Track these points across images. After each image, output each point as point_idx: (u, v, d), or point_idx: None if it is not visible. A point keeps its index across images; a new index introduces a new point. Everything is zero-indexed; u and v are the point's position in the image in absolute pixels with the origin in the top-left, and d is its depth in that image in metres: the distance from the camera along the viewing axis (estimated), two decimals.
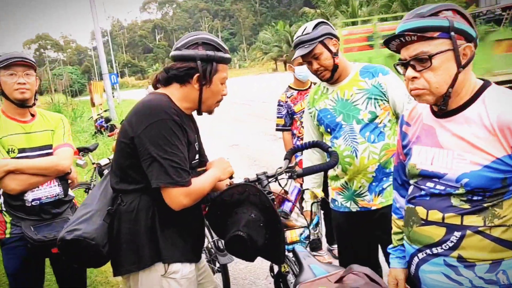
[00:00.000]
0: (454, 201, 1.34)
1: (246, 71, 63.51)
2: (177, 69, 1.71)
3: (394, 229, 1.69)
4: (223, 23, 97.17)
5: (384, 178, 2.18)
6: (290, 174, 1.91)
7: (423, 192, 1.42)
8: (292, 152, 2.10)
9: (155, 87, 1.81)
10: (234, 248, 1.66)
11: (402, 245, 1.61)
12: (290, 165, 1.98)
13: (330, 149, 2.00)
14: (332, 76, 2.21)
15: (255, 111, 16.50)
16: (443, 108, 1.37)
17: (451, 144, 1.36)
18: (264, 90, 25.52)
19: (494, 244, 1.31)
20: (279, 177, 1.93)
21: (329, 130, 2.28)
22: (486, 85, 1.37)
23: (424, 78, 1.32)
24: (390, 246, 1.70)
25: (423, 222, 1.40)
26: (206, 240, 3.15)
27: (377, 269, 2.39)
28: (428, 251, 1.40)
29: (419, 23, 1.31)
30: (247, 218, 1.62)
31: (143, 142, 1.58)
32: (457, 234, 1.33)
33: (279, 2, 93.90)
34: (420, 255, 1.43)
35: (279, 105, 3.80)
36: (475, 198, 1.31)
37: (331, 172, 2.33)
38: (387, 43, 1.39)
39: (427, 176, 1.41)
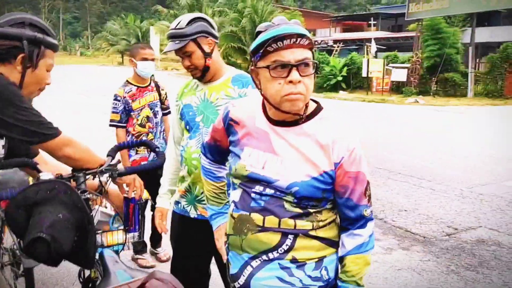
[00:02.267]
0: (288, 206, 1.39)
1: (88, 60, 59.00)
2: None
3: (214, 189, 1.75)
4: (66, 4, 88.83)
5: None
6: (110, 172, 1.77)
7: (256, 197, 1.42)
8: (116, 149, 1.95)
9: None
10: (36, 252, 1.46)
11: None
12: (111, 162, 1.84)
13: (157, 149, 1.93)
14: (202, 76, 2.13)
15: (92, 103, 15.42)
16: (300, 117, 1.41)
17: (286, 153, 1.40)
18: (106, 82, 24.12)
19: (319, 243, 1.43)
20: (100, 175, 1.78)
21: (187, 127, 2.19)
22: (320, 106, 1.48)
23: (304, 83, 1.34)
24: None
25: (260, 228, 1.41)
26: (10, 240, 2.76)
27: (205, 277, 2.35)
28: (264, 257, 1.42)
29: (308, 32, 1.34)
30: (53, 219, 1.44)
31: None
32: (291, 237, 1.39)
33: None
34: (254, 263, 1.43)
35: (115, 99, 3.55)
36: (302, 204, 1.39)
37: (181, 173, 2.25)
38: (277, 40, 1.31)
39: (256, 179, 1.43)
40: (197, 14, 2.14)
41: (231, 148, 1.56)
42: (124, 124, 3.58)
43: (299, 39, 1.31)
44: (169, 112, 3.74)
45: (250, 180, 1.44)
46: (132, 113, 3.56)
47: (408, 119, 14.49)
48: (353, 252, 1.43)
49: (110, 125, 3.63)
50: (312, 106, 1.46)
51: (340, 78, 25.85)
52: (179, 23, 2.07)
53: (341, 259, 1.46)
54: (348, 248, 1.44)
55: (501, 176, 6.95)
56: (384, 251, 4.07)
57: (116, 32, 52.22)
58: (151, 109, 3.62)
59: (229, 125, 1.56)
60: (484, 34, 26.72)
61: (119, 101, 3.54)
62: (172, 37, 2.07)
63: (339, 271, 1.47)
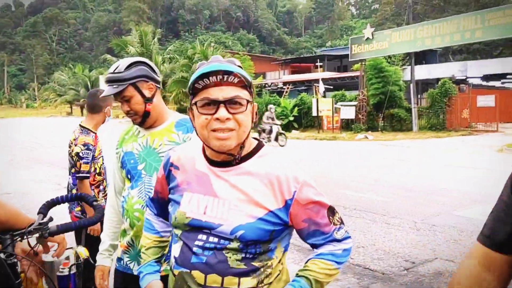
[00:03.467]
0: (231, 263, 1.29)
1: (35, 112, 57.25)
2: None
3: (149, 244, 1.60)
4: (11, 56, 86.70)
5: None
6: (40, 232, 1.61)
7: (198, 251, 1.31)
8: (49, 206, 1.78)
9: None
10: None
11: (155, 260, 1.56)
12: (42, 220, 1.67)
13: (95, 203, 1.78)
14: (143, 121, 2.03)
15: (40, 156, 14.76)
16: (236, 157, 1.34)
17: (228, 194, 1.32)
18: (55, 134, 23.32)
19: None
20: (29, 236, 1.61)
21: (129, 176, 2.05)
22: (261, 143, 1.42)
23: (236, 120, 1.27)
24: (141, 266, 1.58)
25: None
26: None
27: None
28: None
29: (240, 70, 1.29)
30: None
31: None
32: None
33: (80, 45, 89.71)
34: None
35: (88, 148, 3.23)
36: (248, 255, 1.30)
37: (122, 226, 2.09)
38: (203, 77, 1.26)
39: (198, 227, 1.32)
40: (137, 58, 2.06)
41: (170, 196, 1.45)
42: (90, 175, 3.28)
43: (225, 76, 1.26)
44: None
45: (192, 228, 1.34)
46: (92, 162, 3.30)
47: (359, 155, 14.85)
48: (321, 256, 1.36)
49: (79, 177, 3.23)
50: (252, 144, 1.40)
51: (291, 118, 26.43)
52: (117, 67, 1.99)
53: (306, 262, 1.39)
54: (318, 252, 1.38)
55: (451, 206, 7.14)
56: None
57: (64, 82, 51.33)
58: (102, 156, 3.46)
59: (169, 171, 1.47)
60: (423, 72, 28.44)
61: (90, 150, 3.26)
62: (110, 81, 1.98)
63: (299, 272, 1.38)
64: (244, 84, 1.30)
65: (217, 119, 1.27)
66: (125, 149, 2.11)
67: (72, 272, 1.77)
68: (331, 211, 1.37)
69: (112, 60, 38.08)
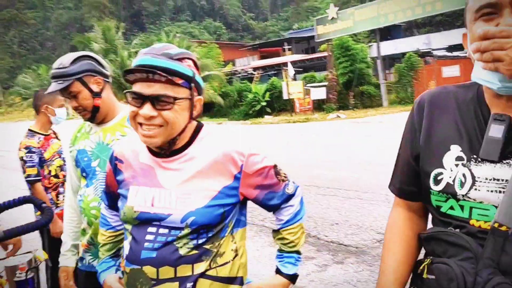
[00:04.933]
0: (183, 252, 1.28)
1: (1, 117, 55.51)
2: None
3: (104, 240, 1.59)
4: None
5: None
6: None
7: (148, 245, 1.29)
8: None
9: None
10: None
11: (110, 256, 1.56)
12: None
13: (43, 205, 1.75)
14: (93, 117, 1.98)
15: (7, 163, 14.36)
16: (164, 152, 1.33)
17: (174, 184, 1.31)
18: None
19: (221, 284, 1.33)
20: None
21: (84, 174, 2.02)
22: (200, 125, 1.41)
23: (162, 116, 1.24)
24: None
25: (154, 282, 1.28)
26: None
27: None
28: None
29: (170, 65, 1.24)
30: None
31: None
32: (189, 284, 1.28)
33: (42, 46, 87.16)
34: None
35: (30, 151, 3.17)
36: (200, 241, 1.29)
37: (82, 225, 2.05)
38: (129, 72, 1.24)
39: (147, 220, 1.30)
40: (82, 53, 2.00)
41: (118, 190, 1.44)
42: (41, 178, 3.23)
43: (150, 75, 1.22)
44: None
45: (141, 222, 1.31)
46: (44, 165, 3.26)
47: (332, 134, 15.03)
48: (290, 222, 1.46)
49: (28, 181, 3.20)
50: (190, 130, 1.37)
51: (264, 103, 26.46)
52: (61, 62, 1.93)
53: (278, 232, 1.48)
54: (285, 219, 1.46)
55: None
56: (319, 268, 4.05)
57: (29, 85, 49.78)
58: (60, 157, 3.38)
59: (115, 165, 1.45)
60: (389, 47, 28.77)
61: (34, 153, 3.19)
62: (55, 77, 1.92)
63: (278, 245, 1.49)
64: (175, 82, 1.25)
65: (142, 115, 1.25)
66: (78, 147, 2.08)
67: (29, 276, 1.74)
68: (276, 169, 1.42)
69: None
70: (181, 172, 1.33)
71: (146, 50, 1.30)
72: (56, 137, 3.47)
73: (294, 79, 27.01)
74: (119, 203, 1.44)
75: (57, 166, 3.35)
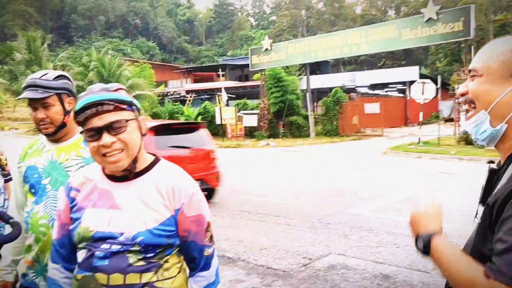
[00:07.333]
0: (133, 262, 1.41)
1: None
2: None
3: None
4: None
5: None
6: None
7: (100, 254, 1.41)
8: None
9: None
10: None
11: None
12: None
13: (11, 220, 1.78)
14: (55, 132, 2.04)
15: None
16: (129, 174, 1.47)
17: (129, 205, 1.45)
18: None
19: None
20: None
21: (33, 191, 2.04)
22: (158, 158, 1.58)
23: (121, 140, 1.40)
24: None
25: None
26: None
27: None
28: None
29: (112, 96, 1.41)
30: None
31: None
32: None
33: None
34: None
35: None
36: (148, 255, 1.43)
37: (26, 242, 2.05)
38: (80, 112, 1.39)
39: (101, 238, 1.42)
40: (61, 72, 2.13)
41: (71, 215, 1.53)
42: None
43: (99, 107, 1.39)
44: (11, 179, 3.42)
45: (96, 240, 1.44)
46: None
47: (262, 162, 15.45)
48: None
49: None
50: (149, 158, 1.55)
51: None
52: (45, 74, 2.04)
53: None
54: None
55: (344, 205, 7.84)
56: None
57: None
58: None
59: (72, 197, 1.55)
60: (318, 81, 30.38)
61: None
62: (34, 85, 2.00)
63: None
64: (122, 108, 1.44)
65: (103, 145, 1.40)
66: (28, 163, 2.12)
67: None
68: (209, 228, 1.56)
69: None
70: (136, 195, 1.48)
71: (84, 93, 1.46)
72: None
73: (227, 105, 27.43)
74: (71, 227, 1.52)
75: None
